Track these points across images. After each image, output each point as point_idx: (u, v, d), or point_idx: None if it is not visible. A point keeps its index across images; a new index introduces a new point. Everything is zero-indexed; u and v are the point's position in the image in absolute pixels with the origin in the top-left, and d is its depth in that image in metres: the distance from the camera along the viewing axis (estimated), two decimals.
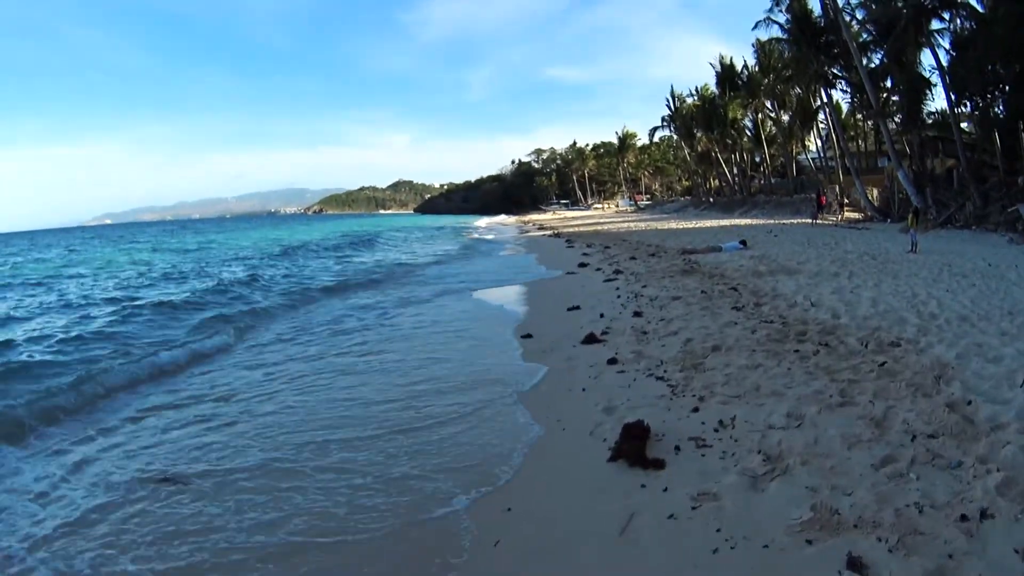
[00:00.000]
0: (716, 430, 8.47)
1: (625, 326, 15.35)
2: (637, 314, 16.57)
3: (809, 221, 47.44)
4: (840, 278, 19.66)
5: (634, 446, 7.95)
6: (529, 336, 15.62)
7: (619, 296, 19.82)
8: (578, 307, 18.56)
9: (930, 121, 45.39)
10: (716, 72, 78.14)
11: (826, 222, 45.15)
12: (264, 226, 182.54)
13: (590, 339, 14.26)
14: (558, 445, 8.84)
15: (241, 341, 18.17)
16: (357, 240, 73.50)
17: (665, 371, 11.33)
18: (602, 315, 17.00)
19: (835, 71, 49.39)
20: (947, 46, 39.26)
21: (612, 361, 12.29)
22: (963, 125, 44.37)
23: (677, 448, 8.05)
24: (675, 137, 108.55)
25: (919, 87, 42.48)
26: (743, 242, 31.95)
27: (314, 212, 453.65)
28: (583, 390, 10.92)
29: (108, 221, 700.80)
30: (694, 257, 29.30)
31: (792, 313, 15.13)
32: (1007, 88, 37.29)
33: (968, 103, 40.71)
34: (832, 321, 13.96)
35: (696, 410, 9.27)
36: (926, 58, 41.61)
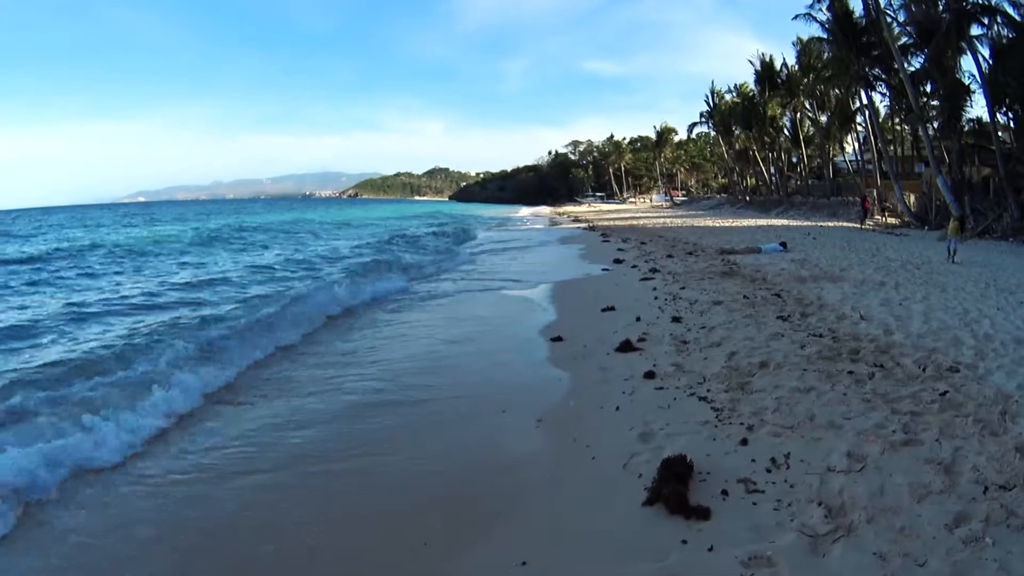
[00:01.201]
0: (768, 470, 7.24)
1: (663, 333, 14.10)
2: (676, 319, 15.30)
3: (855, 225, 45.94)
4: (886, 288, 18.33)
5: (675, 490, 6.70)
6: (559, 339, 14.37)
7: (656, 298, 18.49)
8: (613, 308, 17.26)
9: (967, 128, 43.61)
10: (755, 70, 76.19)
11: (865, 227, 43.57)
12: (327, 208, 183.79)
13: (625, 346, 12.98)
14: (586, 479, 7.59)
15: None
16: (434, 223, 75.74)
17: (708, 390, 10.06)
18: (638, 319, 15.68)
19: (875, 72, 47.66)
20: (986, 53, 37.66)
21: (649, 375, 11.02)
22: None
23: (724, 493, 6.81)
24: (712, 134, 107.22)
25: (959, 93, 40.85)
26: (783, 244, 30.40)
27: (349, 196, 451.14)
28: (616, 408, 9.67)
29: (142, 199, 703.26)
30: (733, 257, 27.89)
31: (842, 327, 13.82)
32: None
33: (1009, 112, 39.18)
34: (885, 338, 12.67)
35: (745, 442, 8.03)
36: (966, 64, 40.38)
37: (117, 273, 30.52)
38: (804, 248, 30.74)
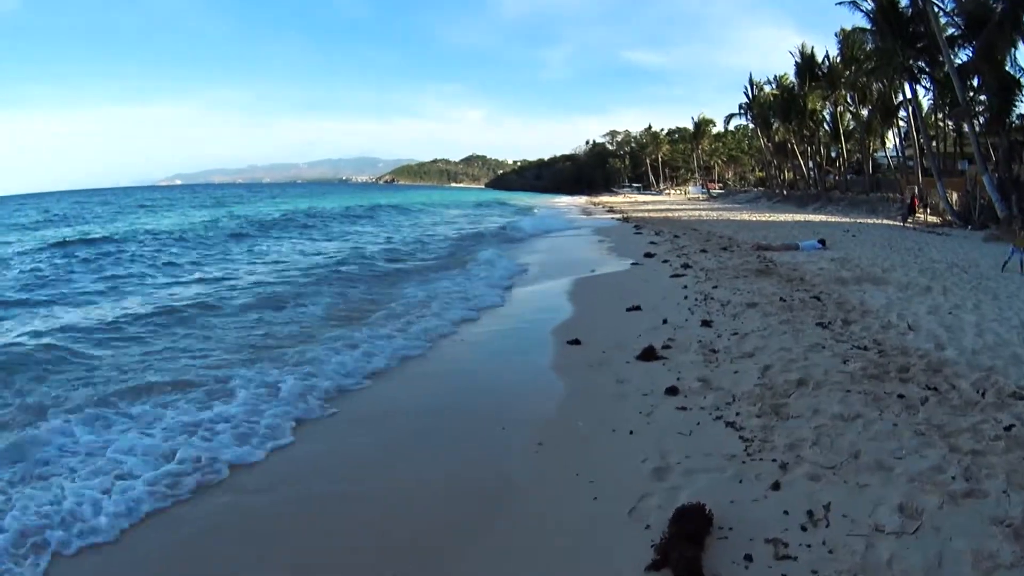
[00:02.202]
0: (804, 527, 5.84)
1: (691, 339, 12.69)
2: (706, 323, 13.86)
3: (895, 222, 43.52)
4: (933, 293, 16.68)
5: (686, 554, 5.31)
6: (577, 342, 12.99)
7: (686, 297, 17.03)
8: (639, 308, 15.84)
9: (1015, 124, 41.46)
10: (795, 62, 73.64)
11: (907, 226, 41.67)
12: (377, 192, 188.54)
13: (648, 354, 11.57)
14: (583, 528, 6.23)
15: None
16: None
17: (738, 413, 8.65)
18: (665, 321, 14.28)
19: (920, 65, 45.41)
20: None
21: (672, 391, 9.62)
22: None
23: (748, 558, 5.42)
24: (751, 126, 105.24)
25: (1009, 87, 38.52)
26: (822, 241, 28.63)
27: (385, 182, 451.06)
28: (630, 433, 8.31)
29: (179, 182, 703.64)
30: (769, 254, 26.17)
31: (888, 338, 12.29)
32: None
33: None
34: (937, 354, 11.13)
35: (777, 486, 6.64)
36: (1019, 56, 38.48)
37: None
38: (844, 246, 29.01)
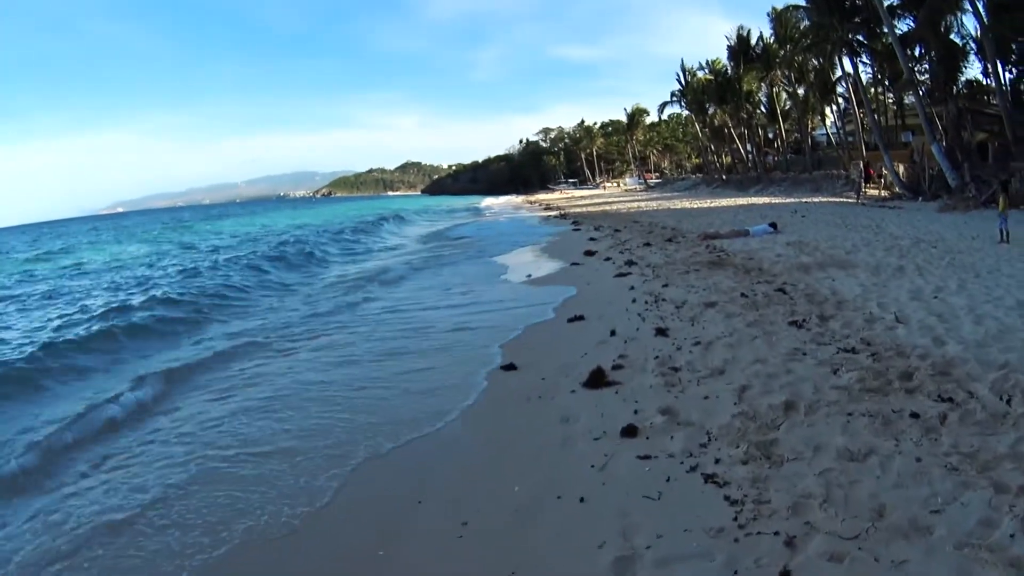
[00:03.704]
0: None
1: (646, 354, 10.76)
2: (661, 332, 11.93)
3: (844, 199, 43.30)
4: (908, 274, 15.25)
5: None
6: (512, 368, 10.97)
7: (634, 300, 15.09)
8: (582, 317, 13.91)
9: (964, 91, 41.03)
10: (728, 45, 73.29)
11: (861, 203, 40.75)
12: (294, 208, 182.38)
13: (596, 379, 9.58)
14: None
15: None
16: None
17: (717, 460, 6.73)
18: (613, 332, 12.31)
19: (859, 39, 44.72)
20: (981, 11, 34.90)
21: (630, 431, 7.65)
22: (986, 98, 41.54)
23: None
24: (685, 113, 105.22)
25: (954, 54, 38.48)
26: (773, 225, 27.05)
27: (322, 195, 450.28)
28: (581, 500, 6.35)
29: (120, 209, 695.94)
30: (719, 243, 24.51)
31: (876, 335, 10.59)
32: None
33: (1013, 70, 36.91)
34: (938, 351, 9.48)
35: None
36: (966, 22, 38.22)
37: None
38: (796, 228, 27.56)
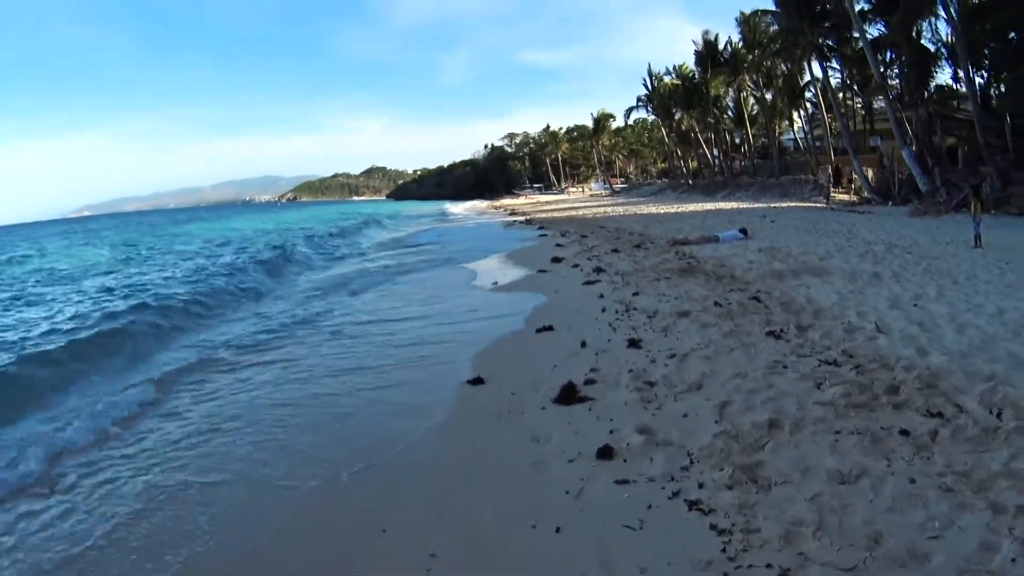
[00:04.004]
0: None
1: (619, 367, 10.31)
2: (633, 343, 11.49)
3: (812, 204, 43.56)
4: (885, 281, 15.03)
5: None
6: (479, 382, 10.45)
7: (604, 309, 14.64)
8: (551, 327, 13.42)
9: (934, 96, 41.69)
10: (696, 51, 73.94)
11: (830, 207, 40.83)
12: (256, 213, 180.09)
13: (568, 394, 9.10)
14: None
15: None
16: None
17: (701, 484, 6.31)
18: (584, 344, 11.83)
19: (829, 43, 45.02)
20: (954, 15, 35.19)
21: (606, 453, 7.18)
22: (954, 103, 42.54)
23: None
24: (650, 119, 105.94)
25: (925, 59, 39.08)
26: (743, 231, 26.71)
27: (288, 200, 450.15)
28: (557, 530, 5.91)
29: (87, 213, 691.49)
30: (688, 249, 24.13)
31: (857, 345, 10.26)
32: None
33: (985, 75, 37.45)
34: (922, 362, 9.18)
35: None
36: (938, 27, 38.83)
37: None
38: (766, 233, 27.33)
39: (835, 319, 12.00)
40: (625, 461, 7.05)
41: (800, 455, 6.72)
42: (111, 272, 36.43)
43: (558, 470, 7.06)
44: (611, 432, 7.82)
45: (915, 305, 12.56)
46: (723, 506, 5.88)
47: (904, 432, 6.99)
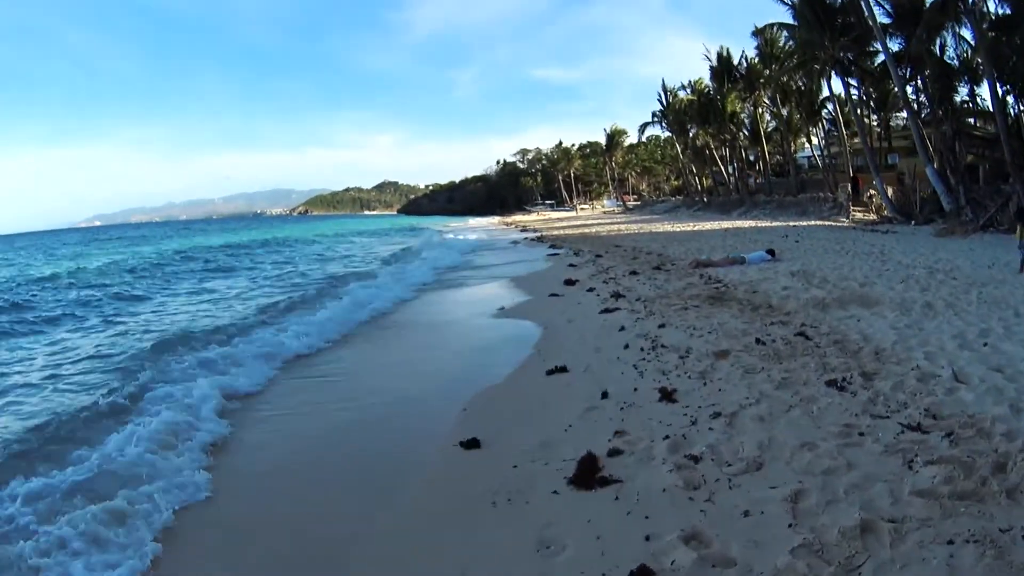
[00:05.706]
0: None
1: (651, 430, 8.11)
2: (666, 395, 9.31)
3: (833, 223, 41.86)
4: (940, 313, 13.03)
5: None
6: (474, 444, 8.36)
7: (627, 346, 12.53)
8: (564, 368, 11.37)
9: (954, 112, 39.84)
10: (711, 66, 72.17)
11: (853, 225, 39.20)
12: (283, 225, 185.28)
13: (587, 473, 6.94)
14: None
15: None
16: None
17: None
18: (606, 394, 9.64)
19: (849, 57, 43.14)
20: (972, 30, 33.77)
21: None
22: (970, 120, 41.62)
23: None
24: (664, 136, 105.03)
25: (948, 74, 37.47)
26: (771, 252, 24.65)
27: (299, 213, 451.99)
28: None
29: (98, 223, 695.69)
30: (712, 272, 22.08)
31: (937, 401, 8.15)
32: None
33: (1014, 90, 35.48)
34: (1019, 424, 7.16)
35: None
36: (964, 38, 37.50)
37: None
38: (795, 255, 25.28)
39: (901, 363, 9.93)
40: None
41: None
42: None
43: None
44: (647, 539, 5.62)
45: (984, 344, 10.54)
46: None
47: None
